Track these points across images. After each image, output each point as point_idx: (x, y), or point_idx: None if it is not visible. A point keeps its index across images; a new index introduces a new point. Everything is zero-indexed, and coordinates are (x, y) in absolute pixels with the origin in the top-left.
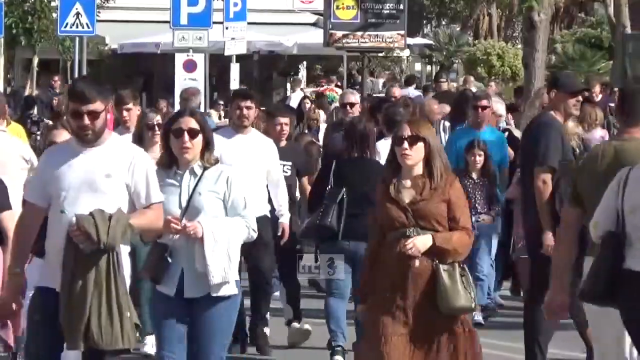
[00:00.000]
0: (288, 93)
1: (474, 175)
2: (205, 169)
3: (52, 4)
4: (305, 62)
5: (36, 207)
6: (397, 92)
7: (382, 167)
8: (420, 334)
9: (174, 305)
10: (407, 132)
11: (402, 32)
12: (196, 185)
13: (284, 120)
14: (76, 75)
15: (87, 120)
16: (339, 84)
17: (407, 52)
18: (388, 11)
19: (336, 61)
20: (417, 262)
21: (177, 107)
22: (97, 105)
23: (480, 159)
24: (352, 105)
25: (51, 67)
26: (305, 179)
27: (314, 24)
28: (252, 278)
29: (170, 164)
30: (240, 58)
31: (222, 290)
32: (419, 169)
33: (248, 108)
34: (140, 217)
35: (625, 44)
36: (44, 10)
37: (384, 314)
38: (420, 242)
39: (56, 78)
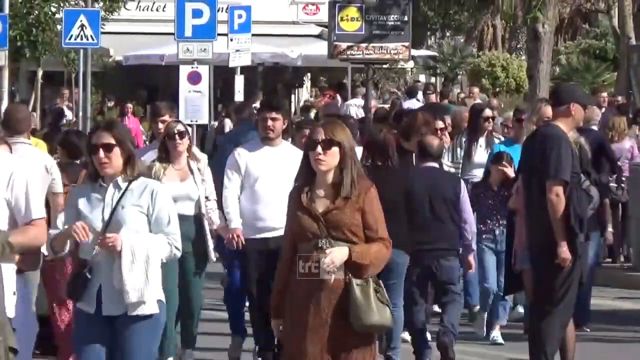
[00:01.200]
0: (293, 105)
1: (495, 187)
2: (130, 182)
3: (57, 16)
4: (309, 74)
5: None
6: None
7: (405, 174)
8: (333, 351)
9: (94, 323)
10: (321, 135)
11: (407, 43)
12: (120, 198)
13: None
14: (81, 87)
15: None
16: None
17: (411, 64)
18: (392, 23)
19: (340, 73)
20: (332, 278)
21: (182, 118)
22: None
23: (506, 172)
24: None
25: (55, 79)
26: None
27: (319, 36)
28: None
29: (96, 177)
30: (244, 70)
31: (140, 309)
32: (333, 176)
33: (274, 119)
34: (19, 235)
35: (630, 55)
36: (49, 23)
37: (299, 329)
38: (338, 256)
39: (66, 91)
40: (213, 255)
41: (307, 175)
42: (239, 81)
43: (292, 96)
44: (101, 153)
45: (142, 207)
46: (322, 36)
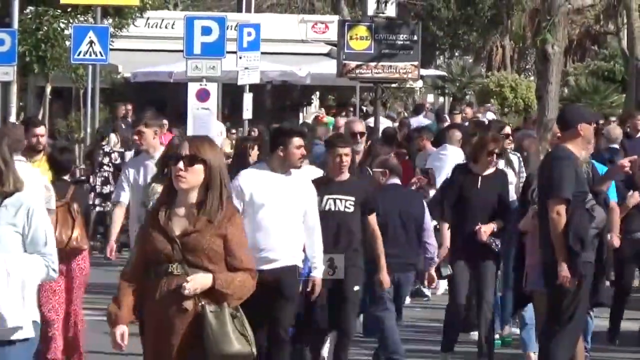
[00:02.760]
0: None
1: None
2: (4, 198)
3: (66, 32)
4: (317, 93)
5: None
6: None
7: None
8: None
9: None
10: (185, 150)
11: (416, 63)
12: None
13: (344, 150)
14: (89, 103)
15: None
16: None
17: (420, 83)
18: (402, 42)
19: (349, 92)
20: (190, 304)
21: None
22: None
23: None
24: (361, 134)
25: (64, 95)
26: (372, 217)
27: (327, 54)
28: (269, 332)
29: None
30: (253, 88)
31: (17, 334)
32: (196, 196)
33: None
34: None
35: (638, 77)
36: (58, 39)
37: (155, 356)
38: (200, 282)
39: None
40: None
41: (169, 192)
42: (248, 99)
43: (300, 115)
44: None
45: (17, 227)
46: (331, 55)
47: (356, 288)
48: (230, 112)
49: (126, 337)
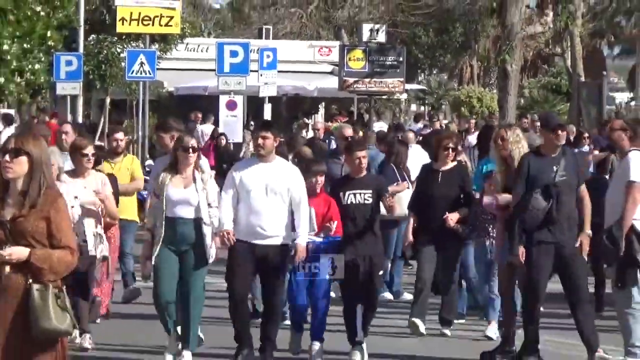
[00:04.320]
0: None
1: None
2: None
3: (122, 55)
4: (323, 103)
5: None
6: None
7: None
8: (16, 356)
9: None
10: (11, 144)
11: (402, 79)
12: None
13: (362, 153)
14: (140, 112)
15: None
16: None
17: (405, 96)
18: (390, 62)
19: (348, 102)
20: (7, 269)
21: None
22: None
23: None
24: (351, 137)
25: (120, 106)
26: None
27: (331, 72)
28: (265, 302)
29: None
30: (271, 99)
31: None
32: (22, 185)
33: (264, 138)
34: None
35: (580, 90)
36: (115, 60)
37: None
38: (17, 251)
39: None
40: (212, 255)
41: (3, 183)
42: (267, 108)
43: (310, 120)
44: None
45: None
46: (334, 73)
47: (381, 272)
48: (253, 119)
49: None
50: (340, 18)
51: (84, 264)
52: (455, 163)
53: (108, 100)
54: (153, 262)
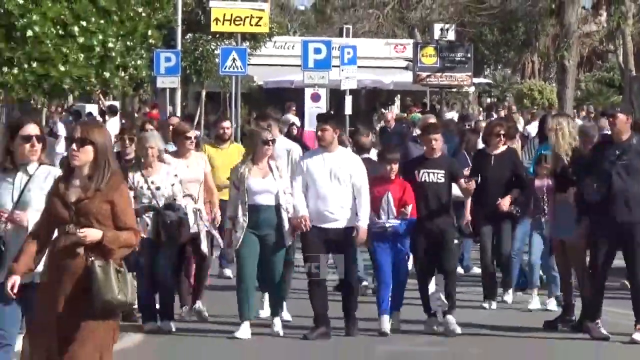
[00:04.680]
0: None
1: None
2: (37, 168)
3: (216, 52)
4: (399, 95)
5: None
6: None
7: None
8: (71, 326)
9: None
10: (77, 134)
11: (469, 73)
12: (27, 182)
13: (435, 136)
14: (233, 104)
15: None
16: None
17: (472, 89)
18: (459, 58)
19: (421, 94)
20: (81, 250)
21: (306, 127)
22: None
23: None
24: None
25: (214, 98)
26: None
27: (406, 68)
28: (343, 283)
29: (8, 164)
30: (352, 92)
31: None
32: (88, 170)
33: (323, 130)
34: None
35: (631, 84)
36: (209, 56)
37: (50, 303)
38: (91, 233)
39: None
40: (289, 239)
41: (68, 167)
42: (348, 100)
43: (386, 111)
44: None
45: (44, 190)
46: (408, 68)
47: (455, 241)
48: (335, 110)
49: (16, 287)
50: (414, 18)
51: (185, 236)
52: (506, 147)
53: (204, 93)
54: (237, 247)
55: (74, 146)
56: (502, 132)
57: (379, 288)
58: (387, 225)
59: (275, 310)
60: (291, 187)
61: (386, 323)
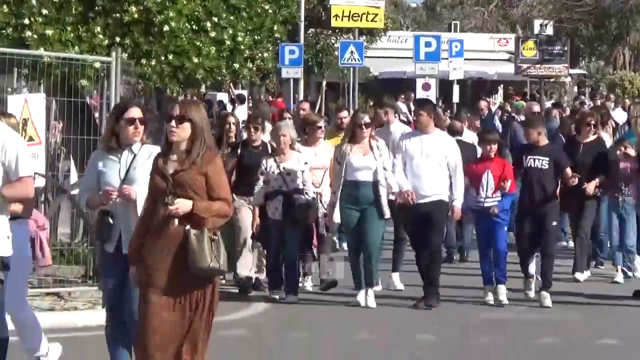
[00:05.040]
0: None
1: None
2: (140, 148)
3: (335, 45)
4: (502, 85)
5: None
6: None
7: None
8: (174, 293)
9: (114, 261)
10: (176, 112)
11: (566, 65)
12: (132, 161)
13: (538, 130)
14: (351, 93)
15: None
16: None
17: (569, 79)
18: (557, 51)
19: (522, 84)
20: (176, 222)
21: None
22: None
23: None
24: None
25: (334, 88)
26: (567, 169)
27: (508, 60)
28: (426, 251)
29: (113, 144)
30: (459, 82)
31: None
32: (185, 145)
33: (419, 115)
34: (10, 189)
35: None
36: (329, 49)
37: (153, 265)
38: (182, 204)
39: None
40: (387, 211)
41: (166, 143)
42: (456, 89)
43: (490, 100)
44: (138, 124)
45: (148, 167)
46: (510, 60)
47: (554, 223)
48: (444, 99)
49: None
50: (515, 15)
51: (312, 218)
52: (595, 136)
53: (324, 82)
54: (338, 220)
55: (172, 123)
56: (593, 122)
57: (481, 262)
58: (487, 204)
59: (370, 281)
60: (392, 165)
61: (503, 294)
